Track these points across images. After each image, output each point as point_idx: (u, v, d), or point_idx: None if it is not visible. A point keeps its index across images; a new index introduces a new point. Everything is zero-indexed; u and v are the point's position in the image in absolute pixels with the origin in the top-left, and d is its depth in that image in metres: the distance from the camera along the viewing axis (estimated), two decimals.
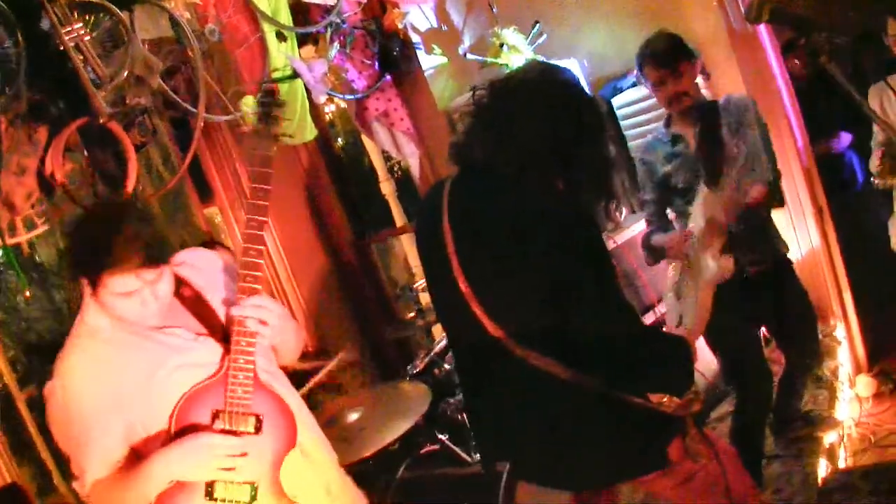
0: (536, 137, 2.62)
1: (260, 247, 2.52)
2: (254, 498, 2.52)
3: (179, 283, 2.67)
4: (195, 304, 2.68)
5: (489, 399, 2.94)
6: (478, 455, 4.31)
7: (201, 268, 2.80)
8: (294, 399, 2.81)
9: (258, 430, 2.54)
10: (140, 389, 2.49)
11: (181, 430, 2.48)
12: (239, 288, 2.51)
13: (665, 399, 2.77)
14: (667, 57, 4.07)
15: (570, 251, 2.55)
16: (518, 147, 2.63)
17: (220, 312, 2.69)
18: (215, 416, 2.50)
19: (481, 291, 2.67)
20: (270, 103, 2.62)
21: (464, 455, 4.35)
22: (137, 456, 2.51)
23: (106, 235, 2.37)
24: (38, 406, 4.46)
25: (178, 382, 2.51)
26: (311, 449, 2.80)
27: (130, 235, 2.37)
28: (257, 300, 2.52)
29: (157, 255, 2.44)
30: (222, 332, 2.63)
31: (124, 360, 2.49)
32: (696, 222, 3.91)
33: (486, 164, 2.69)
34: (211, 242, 5.41)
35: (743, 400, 4.45)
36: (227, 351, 2.54)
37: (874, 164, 4.81)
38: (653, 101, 4.37)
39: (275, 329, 2.57)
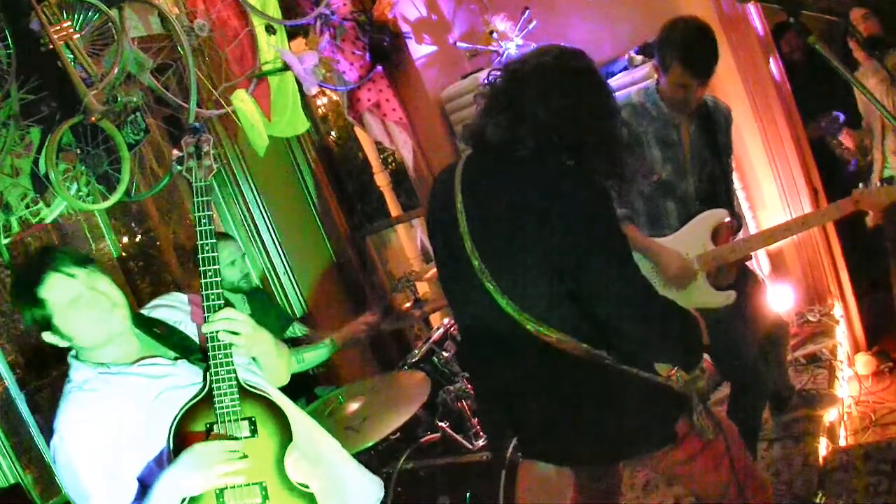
0: (550, 120, 2.64)
1: (215, 266, 2.58)
2: (266, 497, 2.55)
3: (154, 321, 2.77)
4: (169, 335, 2.75)
5: (500, 377, 2.95)
6: (479, 443, 4.33)
7: (174, 305, 2.88)
8: (281, 397, 2.82)
9: (254, 432, 2.57)
10: (136, 423, 2.54)
11: (180, 449, 2.51)
12: (205, 308, 2.56)
13: (674, 372, 2.79)
14: (710, 67, 3.84)
15: (584, 226, 2.58)
16: (532, 129, 2.65)
17: (196, 338, 2.76)
18: (210, 428, 2.54)
19: (495, 268, 2.70)
20: (198, 140, 2.68)
21: (464, 443, 4.36)
22: (146, 486, 2.53)
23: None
24: (39, 408, 4.49)
25: (169, 405, 2.55)
26: (305, 439, 2.82)
27: None
28: (223, 313, 2.57)
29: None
30: (201, 354, 2.68)
31: (114, 401, 2.54)
32: (690, 246, 3.87)
33: (499, 145, 2.72)
34: None
35: (739, 383, 4.38)
36: (207, 368, 2.58)
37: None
38: (644, 85, 4.29)
39: (248, 338, 2.62)
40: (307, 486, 2.62)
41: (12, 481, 4.26)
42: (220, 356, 2.54)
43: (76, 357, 2.61)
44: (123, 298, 2.62)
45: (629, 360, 2.73)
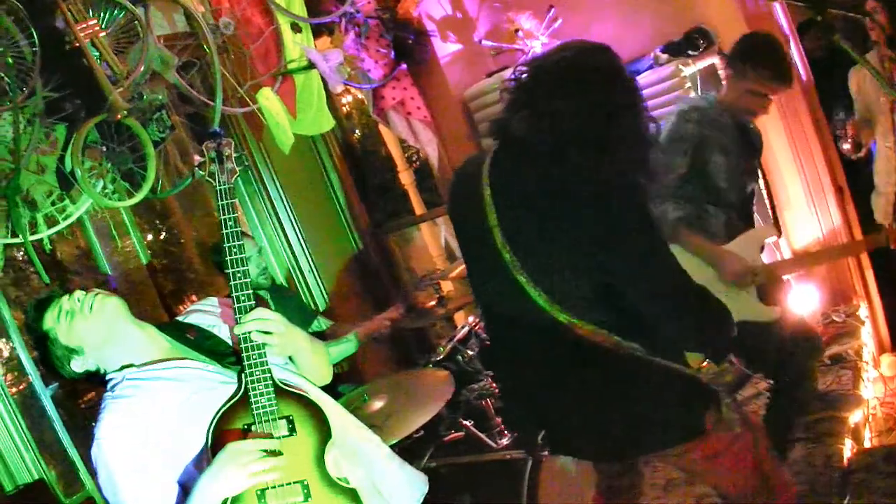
0: (569, 115, 2.63)
1: (244, 268, 2.60)
2: (308, 495, 2.55)
3: (186, 327, 2.81)
4: (202, 340, 2.78)
5: (530, 370, 2.96)
6: (503, 441, 4.32)
7: (206, 310, 2.93)
8: (319, 394, 2.83)
9: (292, 430, 2.58)
10: (169, 426, 2.54)
11: (218, 452, 2.52)
12: (235, 309, 2.57)
13: (705, 364, 2.79)
14: (792, 75, 3.98)
15: (604, 222, 2.58)
16: (551, 125, 2.65)
17: (230, 341, 2.79)
18: (247, 429, 2.54)
19: (526, 261, 2.71)
20: (219, 144, 2.69)
21: (488, 441, 4.36)
22: (186, 490, 2.54)
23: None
24: (63, 404, 4.51)
25: (202, 407, 2.55)
26: (341, 435, 2.82)
27: None
28: (255, 314, 2.58)
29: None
30: (234, 356, 2.70)
31: (146, 404, 2.55)
32: (747, 252, 3.87)
33: (522, 140, 2.72)
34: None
35: (777, 384, 4.37)
36: (242, 370, 2.59)
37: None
38: (669, 83, 4.26)
39: (281, 337, 2.63)
40: (348, 482, 2.62)
41: (36, 477, 4.29)
42: (255, 356, 2.55)
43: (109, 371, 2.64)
44: (104, 292, 2.64)
45: (660, 352, 2.73)
